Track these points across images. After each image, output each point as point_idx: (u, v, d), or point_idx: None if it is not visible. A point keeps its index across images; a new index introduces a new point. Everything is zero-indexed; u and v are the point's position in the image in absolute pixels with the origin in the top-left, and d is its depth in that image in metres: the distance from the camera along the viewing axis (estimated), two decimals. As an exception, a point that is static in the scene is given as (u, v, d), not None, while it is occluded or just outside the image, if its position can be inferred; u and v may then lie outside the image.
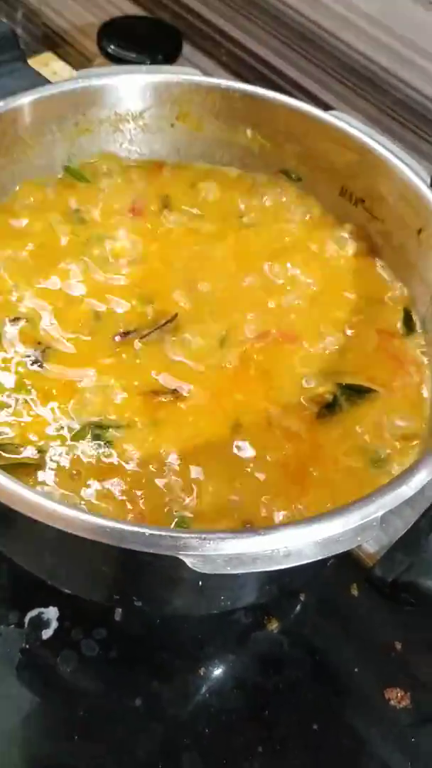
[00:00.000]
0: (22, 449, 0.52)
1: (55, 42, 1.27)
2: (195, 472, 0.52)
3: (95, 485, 0.51)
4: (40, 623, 0.63)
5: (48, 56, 1.25)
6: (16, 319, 0.58)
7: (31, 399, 0.55)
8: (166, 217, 0.68)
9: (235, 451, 0.54)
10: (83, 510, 0.40)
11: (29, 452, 0.52)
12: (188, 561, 0.39)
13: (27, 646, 0.62)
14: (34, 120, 0.64)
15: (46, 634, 0.62)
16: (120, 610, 0.62)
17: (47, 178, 0.69)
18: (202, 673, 0.63)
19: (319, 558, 0.41)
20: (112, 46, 0.97)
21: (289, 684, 0.63)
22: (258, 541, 0.40)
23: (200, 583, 0.49)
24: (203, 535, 0.40)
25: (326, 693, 0.63)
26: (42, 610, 0.63)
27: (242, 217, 0.69)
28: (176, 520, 0.50)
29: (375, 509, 0.43)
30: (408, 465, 0.48)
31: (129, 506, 0.50)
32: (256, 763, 0.59)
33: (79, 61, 1.23)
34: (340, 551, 0.42)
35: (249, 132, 0.70)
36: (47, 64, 1.20)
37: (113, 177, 0.70)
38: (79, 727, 0.59)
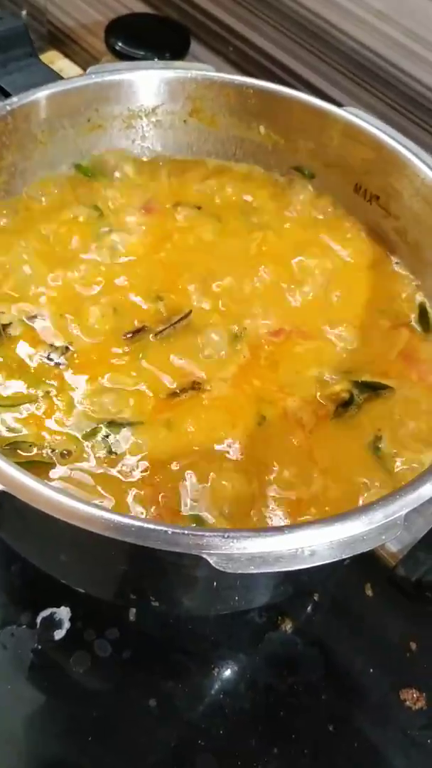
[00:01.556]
0: (35, 447, 0.52)
1: (60, 40, 1.26)
2: (212, 470, 0.51)
3: (110, 484, 0.51)
4: (52, 623, 0.62)
5: (53, 54, 1.25)
6: (32, 317, 0.58)
7: (46, 397, 0.54)
8: (179, 214, 0.67)
9: (251, 449, 0.53)
10: (105, 508, 0.40)
11: (43, 451, 0.52)
12: (211, 560, 0.39)
13: (39, 647, 0.61)
14: (47, 116, 0.64)
15: (59, 634, 0.62)
16: (134, 610, 0.62)
17: (59, 174, 0.68)
18: (215, 674, 0.62)
19: (344, 557, 0.41)
20: (120, 44, 0.96)
21: (303, 685, 0.62)
22: (282, 539, 0.40)
23: (215, 583, 0.49)
24: (226, 534, 0.39)
25: (341, 694, 0.62)
26: (54, 610, 0.63)
27: (255, 214, 0.69)
28: (194, 518, 0.49)
29: (398, 508, 0.42)
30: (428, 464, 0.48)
31: (145, 505, 0.50)
32: (271, 764, 0.59)
33: (84, 59, 1.23)
34: (365, 550, 0.41)
35: (262, 128, 0.70)
36: (53, 62, 1.20)
37: (125, 174, 0.69)
38: (93, 729, 0.59)
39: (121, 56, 0.95)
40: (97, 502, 0.49)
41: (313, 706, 0.61)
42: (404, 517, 0.42)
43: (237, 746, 0.59)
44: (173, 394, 0.55)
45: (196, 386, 0.56)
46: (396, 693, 0.62)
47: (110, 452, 0.52)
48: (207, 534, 0.39)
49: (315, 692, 0.62)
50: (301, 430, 0.54)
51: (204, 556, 0.39)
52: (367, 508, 0.42)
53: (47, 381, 0.55)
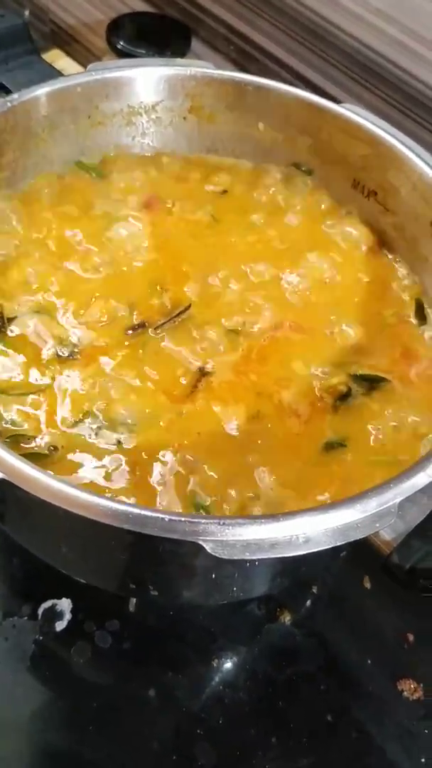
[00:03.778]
0: (33, 441, 0.52)
1: (62, 39, 1.27)
2: (216, 461, 0.52)
3: (112, 475, 0.52)
4: (53, 615, 0.63)
5: (55, 53, 1.25)
6: (37, 312, 0.59)
7: (48, 391, 0.55)
8: (179, 210, 0.68)
9: (251, 440, 0.54)
10: (104, 496, 0.40)
11: (42, 443, 0.52)
12: (207, 546, 0.39)
13: (40, 638, 0.62)
14: (47, 113, 0.65)
15: (60, 625, 0.63)
16: (134, 600, 0.62)
17: (60, 171, 0.69)
18: (215, 665, 0.63)
19: (338, 544, 0.41)
20: (122, 42, 0.97)
21: (302, 676, 0.63)
22: (277, 526, 0.40)
23: (213, 571, 0.49)
24: (222, 521, 0.40)
25: (339, 685, 0.63)
26: (55, 601, 0.63)
27: (255, 211, 0.69)
28: (197, 506, 0.50)
29: (392, 496, 0.43)
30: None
31: (148, 495, 0.50)
32: (270, 754, 0.59)
33: (86, 57, 1.23)
34: (359, 537, 0.42)
35: (261, 125, 0.71)
36: (55, 61, 1.20)
37: (126, 170, 0.70)
38: (93, 719, 0.59)
39: (123, 55, 0.96)
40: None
41: (311, 697, 0.62)
42: (398, 505, 0.43)
43: (236, 736, 0.59)
44: (192, 392, 0.56)
45: (203, 372, 0.57)
46: (393, 684, 0.63)
47: (116, 444, 0.53)
48: (203, 521, 0.40)
49: (313, 683, 0.62)
50: (297, 422, 0.55)
51: (200, 542, 0.39)
52: (362, 496, 0.42)
53: (49, 375, 0.56)
